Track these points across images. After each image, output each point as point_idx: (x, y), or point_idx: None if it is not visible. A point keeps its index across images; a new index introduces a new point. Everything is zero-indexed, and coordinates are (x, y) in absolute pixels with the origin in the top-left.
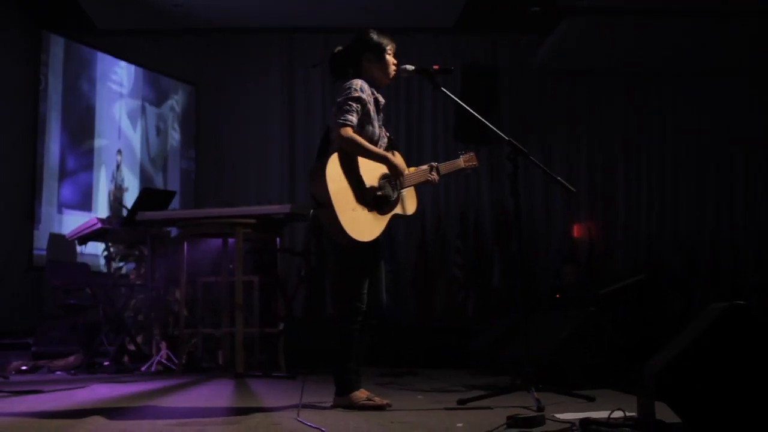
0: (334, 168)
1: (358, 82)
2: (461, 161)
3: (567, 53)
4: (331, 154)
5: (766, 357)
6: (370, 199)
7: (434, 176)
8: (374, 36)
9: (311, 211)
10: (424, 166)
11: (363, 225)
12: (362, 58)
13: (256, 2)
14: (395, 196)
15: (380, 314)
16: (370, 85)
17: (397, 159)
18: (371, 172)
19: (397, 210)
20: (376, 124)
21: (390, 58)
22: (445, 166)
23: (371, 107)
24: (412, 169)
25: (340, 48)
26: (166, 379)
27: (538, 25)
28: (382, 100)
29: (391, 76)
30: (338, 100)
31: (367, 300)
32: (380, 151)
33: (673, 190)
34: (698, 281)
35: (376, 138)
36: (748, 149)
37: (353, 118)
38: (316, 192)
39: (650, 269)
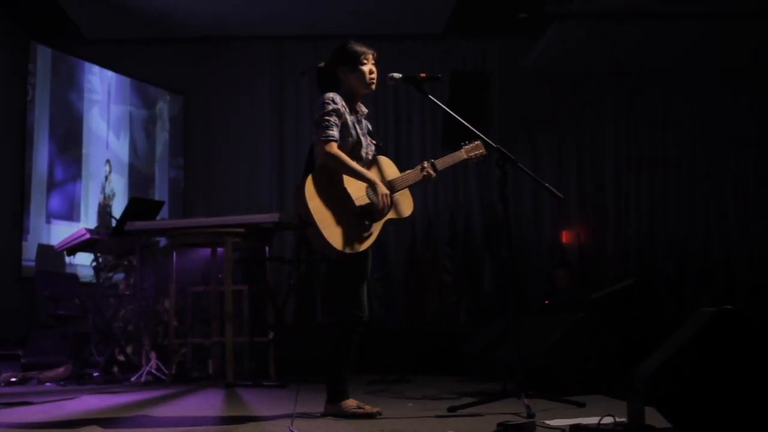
0: (313, 185)
1: (330, 95)
2: (463, 152)
3: (556, 57)
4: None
5: (755, 361)
6: (356, 210)
7: (429, 173)
8: (348, 47)
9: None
10: (420, 166)
11: (350, 237)
12: (338, 71)
13: (244, 10)
14: None
15: (368, 322)
16: (349, 96)
17: (384, 166)
18: (357, 182)
19: (391, 215)
20: (356, 133)
21: (367, 67)
22: (443, 161)
23: (348, 117)
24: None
25: (322, 63)
26: (156, 389)
27: (527, 29)
28: (364, 110)
29: (369, 84)
30: (315, 118)
31: None
32: (362, 170)
33: (663, 192)
34: (690, 284)
35: (358, 147)
36: (739, 150)
37: (334, 133)
38: (299, 211)
39: (642, 272)
